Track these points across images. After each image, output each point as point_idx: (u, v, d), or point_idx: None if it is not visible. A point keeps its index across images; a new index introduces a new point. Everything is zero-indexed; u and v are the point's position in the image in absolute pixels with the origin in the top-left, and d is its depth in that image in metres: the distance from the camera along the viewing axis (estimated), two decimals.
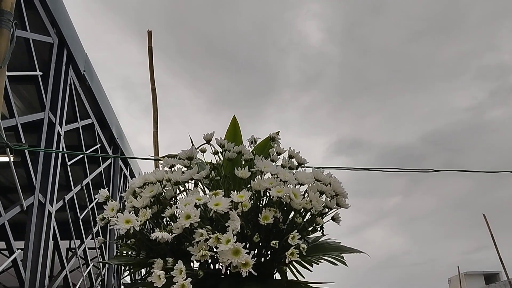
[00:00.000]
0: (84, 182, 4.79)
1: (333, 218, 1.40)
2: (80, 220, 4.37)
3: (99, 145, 5.50)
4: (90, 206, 4.86)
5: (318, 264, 1.37)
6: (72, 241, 4.65)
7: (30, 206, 3.23)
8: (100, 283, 5.75)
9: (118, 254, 1.44)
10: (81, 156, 4.81)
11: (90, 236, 5.06)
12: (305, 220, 1.32)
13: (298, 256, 1.18)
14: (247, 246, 1.25)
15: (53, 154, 3.52)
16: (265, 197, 1.35)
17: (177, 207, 1.29)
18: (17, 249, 2.74)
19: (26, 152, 3.23)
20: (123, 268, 1.43)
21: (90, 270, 5.16)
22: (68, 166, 4.26)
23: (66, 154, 3.90)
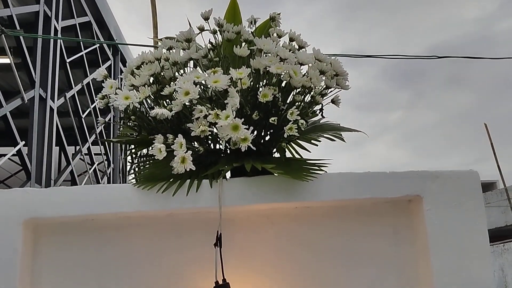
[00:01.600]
0: (85, 82, 4.77)
1: (332, 101, 1.40)
2: (82, 119, 4.41)
3: (98, 45, 5.40)
4: (92, 106, 4.89)
5: (317, 142, 1.39)
6: (76, 147, 4.73)
7: (31, 100, 3.25)
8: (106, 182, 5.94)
9: (120, 134, 1.46)
10: (80, 56, 4.74)
11: (94, 137, 5.15)
12: (305, 99, 1.32)
13: (297, 131, 1.19)
14: (247, 125, 1.26)
15: (51, 50, 3.46)
16: (264, 80, 1.34)
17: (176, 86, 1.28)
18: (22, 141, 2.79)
19: (25, 48, 3.17)
20: (124, 147, 1.45)
21: (95, 168, 5.31)
22: (68, 64, 4.22)
23: (64, 51, 3.84)
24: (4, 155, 3.31)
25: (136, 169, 1.53)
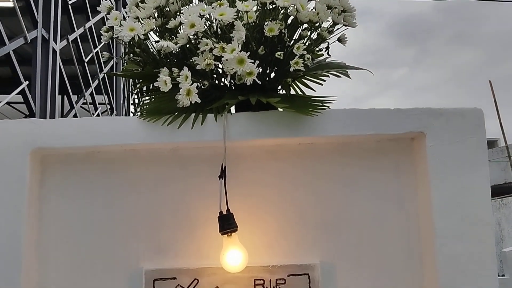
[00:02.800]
0: (87, 25, 4.71)
1: (339, 39, 1.38)
2: (85, 63, 4.38)
3: None
4: (94, 51, 4.84)
5: (322, 82, 1.39)
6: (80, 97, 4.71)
7: (34, 40, 3.22)
8: None
9: (124, 69, 1.46)
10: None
11: (97, 82, 5.13)
12: (311, 36, 1.30)
13: (303, 66, 1.19)
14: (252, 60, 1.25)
15: None
16: (270, 17, 1.32)
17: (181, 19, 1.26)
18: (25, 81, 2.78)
19: None
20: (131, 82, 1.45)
21: (99, 114, 5.32)
22: (70, 6, 4.15)
23: None
24: (10, 104, 3.32)
25: (141, 105, 1.53)
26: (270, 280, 1.23)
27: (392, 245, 1.25)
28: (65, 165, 1.29)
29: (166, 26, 1.28)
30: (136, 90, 1.35)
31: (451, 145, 1.20)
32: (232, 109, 1.29)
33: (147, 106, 1.32)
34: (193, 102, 1.19)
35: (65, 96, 4.94)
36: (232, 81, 1.30)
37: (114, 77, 7.69)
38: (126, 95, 8.32)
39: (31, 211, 1.23)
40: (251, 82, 1.20)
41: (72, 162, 1.29)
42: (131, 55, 1.37)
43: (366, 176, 1.28)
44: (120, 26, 1.25)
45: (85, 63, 4.49)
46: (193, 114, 1.24)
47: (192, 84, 1.17)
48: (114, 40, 1.35)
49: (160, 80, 1.20)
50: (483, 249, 1.16)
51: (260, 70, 1.24)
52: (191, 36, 1.23)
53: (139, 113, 1.27)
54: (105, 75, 5.29)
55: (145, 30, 1.24)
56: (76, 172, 1.29)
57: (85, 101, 4.68)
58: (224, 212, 1.18)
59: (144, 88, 1.46)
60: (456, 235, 1.17)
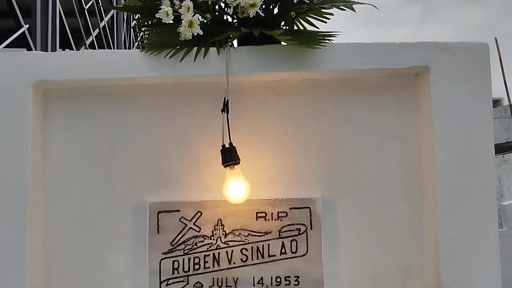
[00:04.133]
0: None
1: None
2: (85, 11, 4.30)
3: None
4: None
5: (326, 20, 1.36)
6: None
7: None
8: None
9: (126, 4, 1.43)
10: None
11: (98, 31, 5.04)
12: None
13: None
14: None
15: None
16: None
17: None
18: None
19: None
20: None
21: None
22: None
23: None
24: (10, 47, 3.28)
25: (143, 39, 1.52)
26: (272, 213, 1.26)
27: (393, 179, 1.26)
28: (67, 99, 1.29)
29: None
30: (137, 25, 1.32)
31: (455, 80, 1.19)
32: (235, 43, 1.28)
33: (149, 39, 1.31)
34: (195, 34, 1.18)
35: (66, 50, 4.90)
36: (234, 16, 1.28)
37: (115, 29, 7.60)
38: (127, 48, 8.24)
39: (36, 144, 1.24)
40: (254, 15, 1.18)
41: (74, 97, 1.29)
42: None
43: (368, 112, 1.28)
44: None
45: (85, 10, 4.40)
46: (196, 48, 1.22)
47: (194, 15, 1.15)
48: None
49: (162, 11, 1.18)
50: (483, 180, 1.17)
51: (263, 0, 1.22)
52: None
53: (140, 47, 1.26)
54: (105, 25, 5.20)
55: None
56: (79, 107, 1.29)
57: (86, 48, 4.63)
58: (227, 145, 1.18)
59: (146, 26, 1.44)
60: (456, 167, 1.18)
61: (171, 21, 1.21)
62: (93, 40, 4.83)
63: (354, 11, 1.29)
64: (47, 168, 1.28)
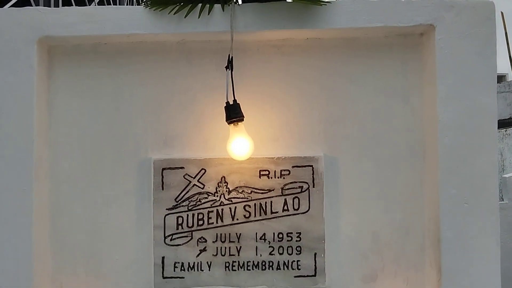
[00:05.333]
0: None
1: None
2: None
3: None
4: None
5: None
6: None
7: None
8: None
9: None
10: None
11: None
12: None
13: None
14: None
15: None
16: None
17: None
18: None
19: None
20: None
21: None
22: None
23: None
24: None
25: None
26: (275, 171, 1.27)
27: (395, 139, 1.27)
28: (72, 57, 1.29)
29: None
30: None
31: (460, 38, 1.19)
32: (239, 0, 1.27)
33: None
34: None
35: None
36: None
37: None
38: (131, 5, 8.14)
39: (41, 101, 1.25)
40: None
41: (79, 54, 1.29)
42: None
43: (372, 72, 1.28)
44: None
45: None
46: (200, 4, 1.22)
47: None
48: None
49: None
50: (484, 139, 1.18)
51: None
52: None
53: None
54: None
55: None
56: (83, 64, 1.29)
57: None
58: (231, 102, 1.19)
59: None
60: (459, 126, 1.18)
61: None
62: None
63: None
64: (53, 126, 1.29)
